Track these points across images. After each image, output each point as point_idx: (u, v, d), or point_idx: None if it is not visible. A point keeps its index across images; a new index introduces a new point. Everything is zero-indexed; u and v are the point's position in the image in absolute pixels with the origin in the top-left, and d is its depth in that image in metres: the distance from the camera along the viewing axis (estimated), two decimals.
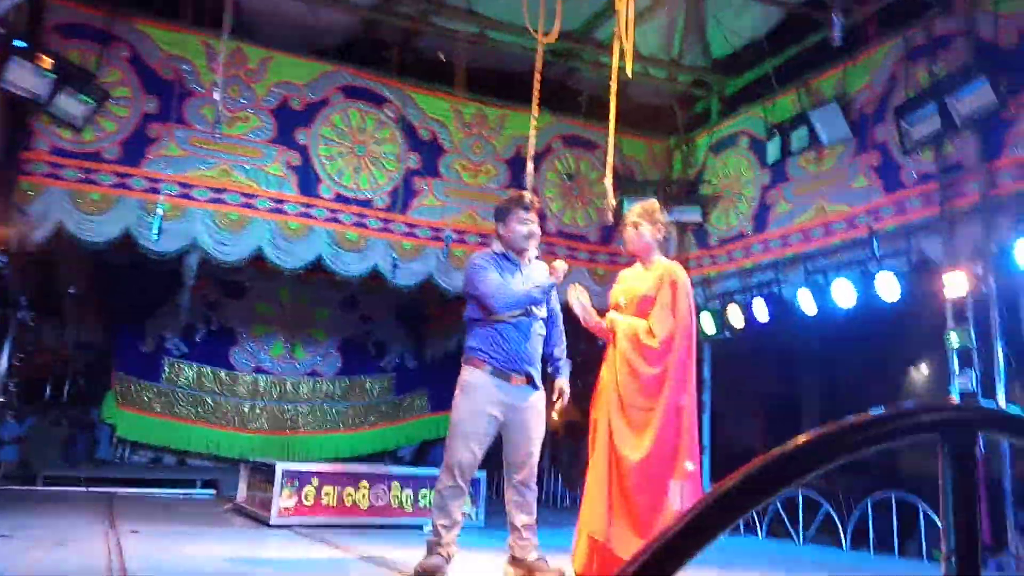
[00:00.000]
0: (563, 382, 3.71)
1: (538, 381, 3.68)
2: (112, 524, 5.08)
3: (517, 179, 7.70)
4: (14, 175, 6.15)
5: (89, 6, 6.44)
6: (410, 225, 7.33)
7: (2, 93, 5.89)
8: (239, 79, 6.89)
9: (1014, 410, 0.63)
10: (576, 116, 8.10)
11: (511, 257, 3.71)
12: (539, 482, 10.96)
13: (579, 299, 3.72)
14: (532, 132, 5.27)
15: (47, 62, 5.88)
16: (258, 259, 6.97)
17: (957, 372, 5.54)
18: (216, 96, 4.38)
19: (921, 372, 8.68)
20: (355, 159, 7.24)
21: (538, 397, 3.70)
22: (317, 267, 7.15)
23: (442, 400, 11.37)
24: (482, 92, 7.81)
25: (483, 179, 7.65)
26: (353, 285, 8.31)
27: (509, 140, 7.75)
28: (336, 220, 7.14)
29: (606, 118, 8.03)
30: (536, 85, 5.07)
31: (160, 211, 6.08)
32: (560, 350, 3.76)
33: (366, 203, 7.24)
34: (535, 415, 3.69)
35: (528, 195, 3.83)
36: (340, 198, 7.16)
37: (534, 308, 3.66)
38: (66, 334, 9.24)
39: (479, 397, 3.57)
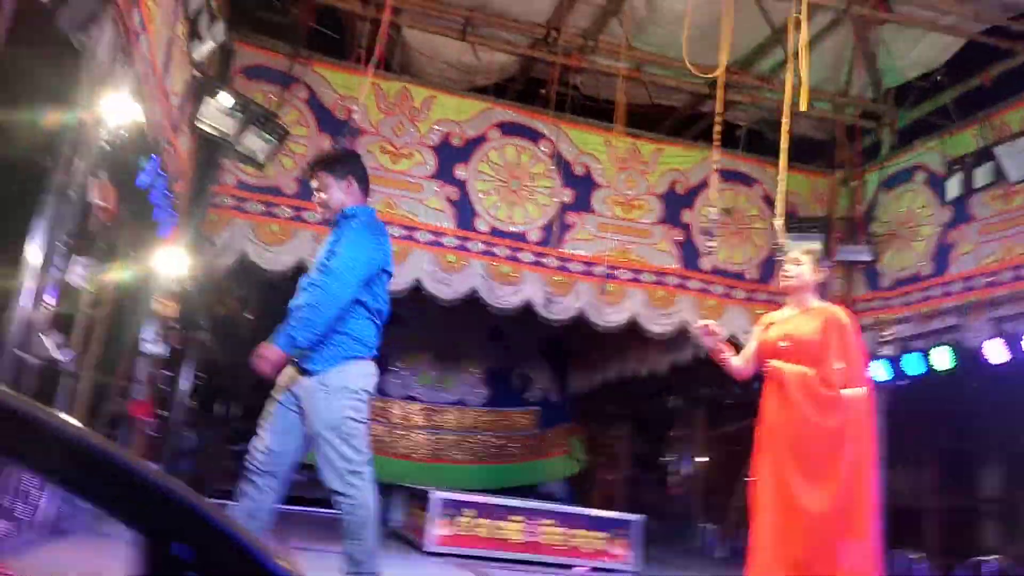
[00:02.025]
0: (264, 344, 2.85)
1: (309, 363, 2.90)
2: (280, 540, 5.33)
3: (671, 213, 7.57)
4: (205, 207, 6.70)
5: (272, 51, 6.96)
6: (563, 259, 7.35)
7: (196, 132, 6.47)
8: (404, 117, 7.22)
9: None
10: (733, 150, 7.88)
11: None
12: (689, 530, 10.53)
13: (709, 329, 3.57)
14: (715, 164, 5.08)
15: (234, 102, 6.40)
16: (415, 289, 7.20)
17: None
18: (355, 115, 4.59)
19: None
20: (510, 194, 7.37)
21: (310, 380, 2.91)
22: (471, 299, 7.31)
23: (585, 436, 11.28)
24: (636, 126, 7.77)
25: (636, 214, 7.57)
26: (498, 317, 8.42)
27: (663, 174, 7.65)
28: (491, 253, 7.27)
29: (765, 152, 7.83)
30: (718, 121, 4.93)
31: None
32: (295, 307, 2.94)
33: (520, 236, 7.33)
34: (309, 401, 2.91)
35: (317, 155, 3.44)
36: (495, 231, 7.30)
37: (311, 276, 3.00)
38: (238, 355, 9.90)
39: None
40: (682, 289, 7.51)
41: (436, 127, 7.29)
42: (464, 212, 7.25)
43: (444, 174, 7.26)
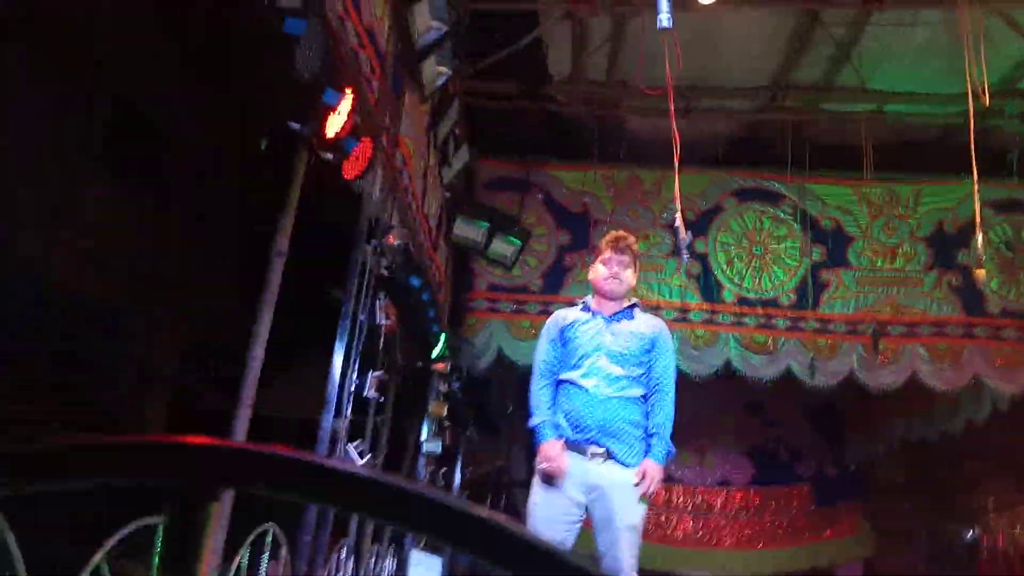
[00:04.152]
0: (650, 463, 2.92)
1: (626, 456, 2.94)
2: None
3: (943, 256, 6.88)
4: (463, 312, 7.23)
5: (509, 162, 7.49)
6: (822, 321, 6.92)
7: (452, 245, 7.07)
8: (636, 202, 7.35)
9: None
10: (1006, 178, 7.05)
11: (594, 307, 3.14)
12: None
13: None
14: (976, 201, 4.63)
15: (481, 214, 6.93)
16: None
17: None
18: (677, 222, 4.52)
19: None
20: (755, 260, 7.15)
21: (627, 474, 2.93)
22: (726, 374, 7.08)
23: (872, 512, 10.21)
24: (885, 169, 7.24)
25: (900, 262, 6.97)
26: (756, 387, 8.03)
27: (927, 215, 7.02)
28: (741, 324, 7.04)
29: None
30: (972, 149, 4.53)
31: None
32: (657, 424, 2.98)
33: (771, 303, 7.04)
34: (623, 496, 2.91)
35: (621, 233, 3.22)
36: (743, 301, 7.08)
37: (615, 366, 2.99)
38: (501, 448, 10.34)
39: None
40: (968, 338, 6.71)
41: (670, 205, 7.32)
42: (708, 285, 7.13)
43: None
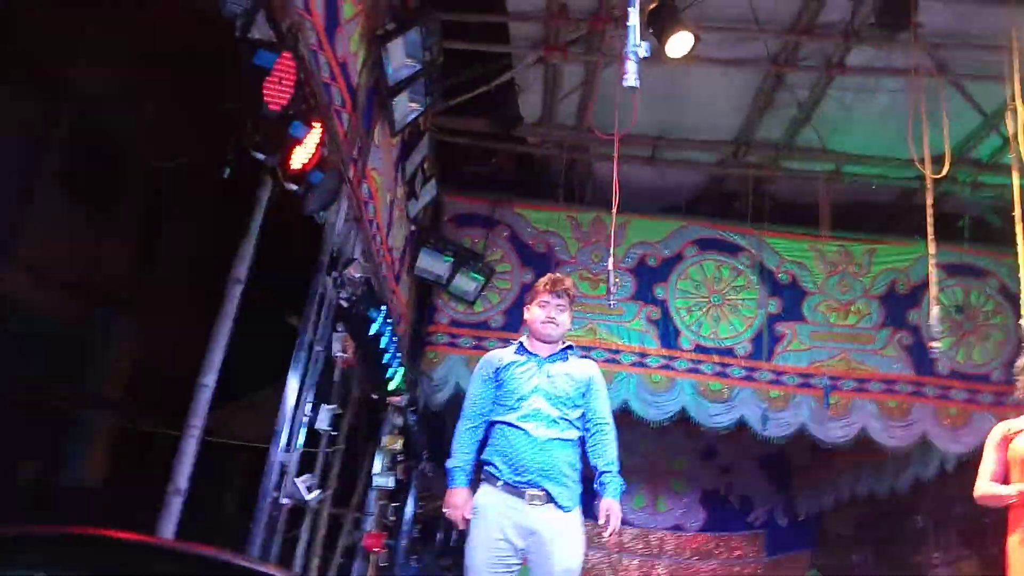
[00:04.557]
0: (611, 502, 2.93)
1: (564, 499, 2.92)
2: None
3: (895, 315, 7.06)
4: (422, 346, 7.20)
5: (477, 199, 7.54)
6: (776, 372, 7.03)
7: (415, 278, 7.06)
8: (600, 245, 7.43)
9: None
10: (957, 242, 7.28)
11: (529, 349, 3.11)
12: None
13: None
14: (932, 266, 4.78)
15: (445, 250, 6.96)
16: (622, 411, 7.14)
17: None
18: (609, 265, 4.57)
19: None
20: (713, 309, 7.25)
21: (565, 518, 2.93)
22: (680, 419, 7.13)
23: (821, 563, 10.28)
24: (841, 228, 7.44)
25: (853, 319, 7.13)
26: (712, 435, 8.09)
27: (880, 275, 7.20)
28: (697, 371, 7.12)
29: (994, 240, 7.16)
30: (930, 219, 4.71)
31: None
32: (609, 463, 3.01)
33: (727, 352, 7.13)
34: (561, 540, 2.90)
35: (558, 276, 3.21)
36: (700, 348, 7.16)
37: (552, 408, 2.98)
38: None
39: (490, 520, 2.90)
40: (918, 397, 6.86)
41: (632, 250, 7.42)
42: (667, 331, 7.21)
43: (644, 295, 7.31)
